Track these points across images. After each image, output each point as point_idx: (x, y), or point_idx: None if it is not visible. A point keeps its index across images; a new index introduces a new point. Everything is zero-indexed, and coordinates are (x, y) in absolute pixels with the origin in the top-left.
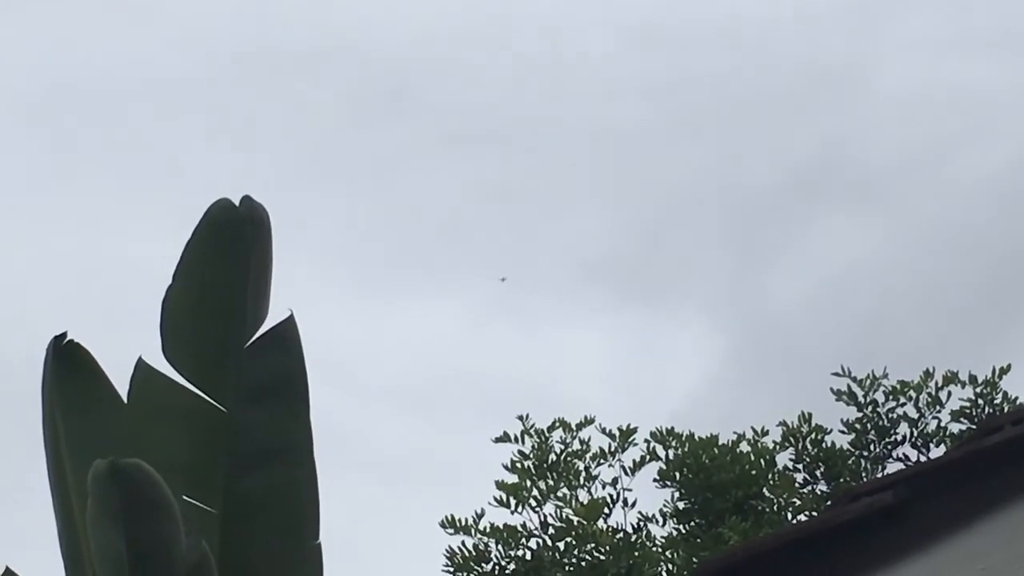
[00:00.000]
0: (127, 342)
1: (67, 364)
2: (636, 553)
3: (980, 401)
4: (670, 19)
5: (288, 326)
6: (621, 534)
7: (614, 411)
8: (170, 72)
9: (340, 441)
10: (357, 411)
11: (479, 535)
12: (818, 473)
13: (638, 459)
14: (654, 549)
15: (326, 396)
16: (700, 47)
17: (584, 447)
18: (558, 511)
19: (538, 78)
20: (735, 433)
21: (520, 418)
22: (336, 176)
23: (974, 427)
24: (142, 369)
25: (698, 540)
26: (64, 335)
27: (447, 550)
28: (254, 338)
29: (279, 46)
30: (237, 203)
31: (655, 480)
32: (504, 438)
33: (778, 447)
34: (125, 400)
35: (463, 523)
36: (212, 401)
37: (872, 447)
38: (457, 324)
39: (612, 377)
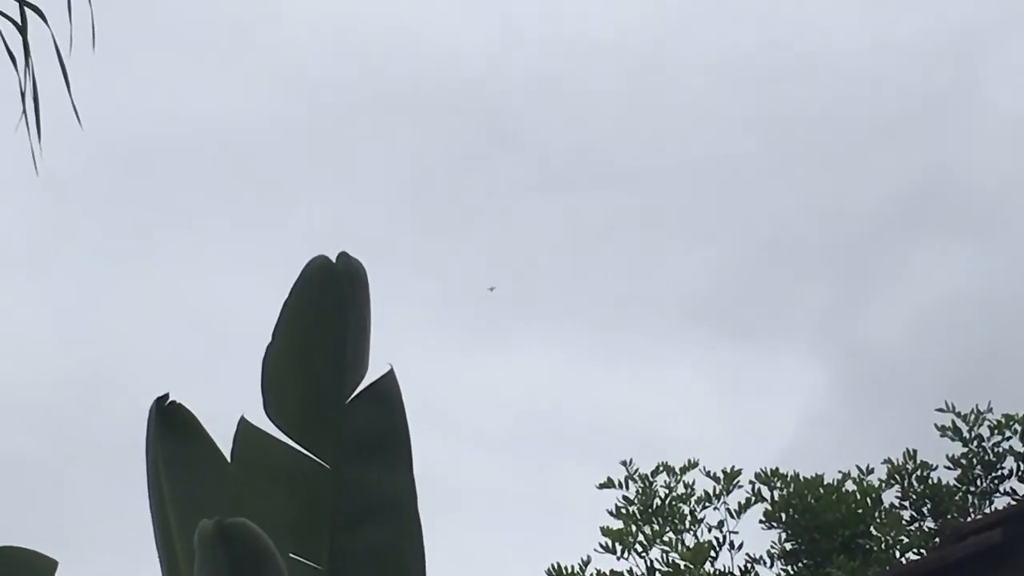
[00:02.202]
0: (229, 400)
1: (170, 424)
2: None
3: None
4: (770, 52)
5: (389, 380)
6: None
7: (717, 450)
8: (268, 123)
9: (445, 491)
10: (462, 460)
11: None
12: (925, 510)
13: (743, 501)
14: None
15: (430, 446)
16: (800, 79)
17: (689, 491)
18: (664, 556)
19: (639, 116)
20: (840, 472)
21: (624, 463)
22: (437, 221)
23: None
24: (244, 428)
25: None
26: (166, 396)
27: None
28: (355, 393)
29: (379, 92)
30: (334, 259)
31: (761, 522)
32: (608, 484)
33: (884, 485)
34: (228, 459)
35: (570, 571)
36: (315, 458)
37: (978, 482)
38: (561, 368)
39: (714, 416)
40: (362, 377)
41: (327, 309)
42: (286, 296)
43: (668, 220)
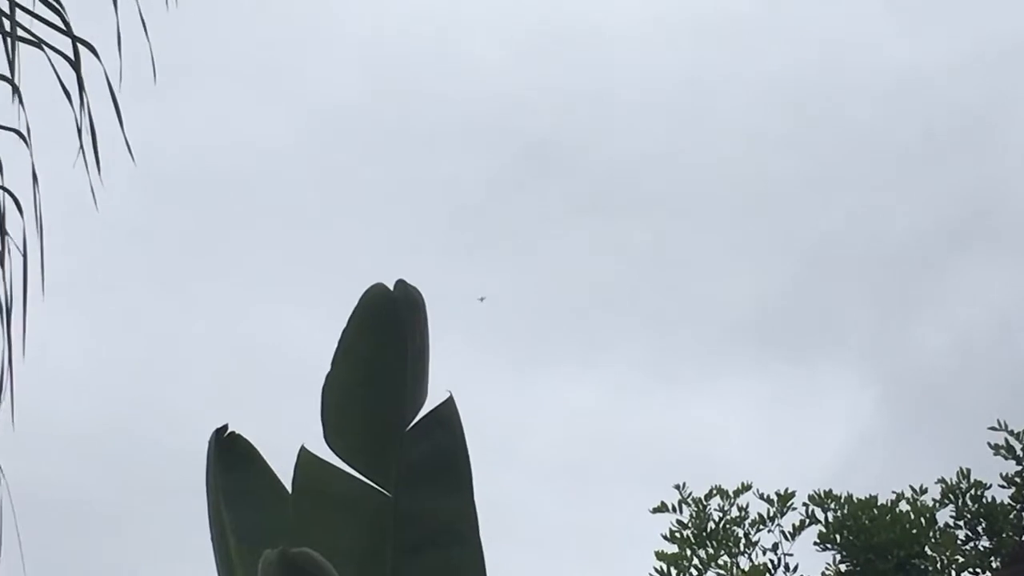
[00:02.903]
0: (289, 430)
1: (230, 455)
2: None
3: None
4: (815, 70)
5: (448, 407)
6: None
7: (769, 471)
8: (316, 154)
9: (501, 517)
10: (515, 486)
11: None
12: (980, 529)
13: (797, 523)
14: None
15: (485, 472)
16: (844, 97)
17: (743, 513)
18: None
19: (681, 136)
20: (893, 492)
21: (677, 487)
22: (485, 246)
23: None
24: (305, 457)
25: None
26: (225, 427)
27: None
28: (415, 421)
29: (424, 120)
30: (391, 287)
31: (815, 543)
32: (662, 508)
33: (938, 504)
34: (289, 489)
35: None
36: (376, 486)
37: None
38: (612, 392)
39: (766, 437)
40: (422, 404)
41: (386, 337)
42: (344, 325)
43: (715, 241)
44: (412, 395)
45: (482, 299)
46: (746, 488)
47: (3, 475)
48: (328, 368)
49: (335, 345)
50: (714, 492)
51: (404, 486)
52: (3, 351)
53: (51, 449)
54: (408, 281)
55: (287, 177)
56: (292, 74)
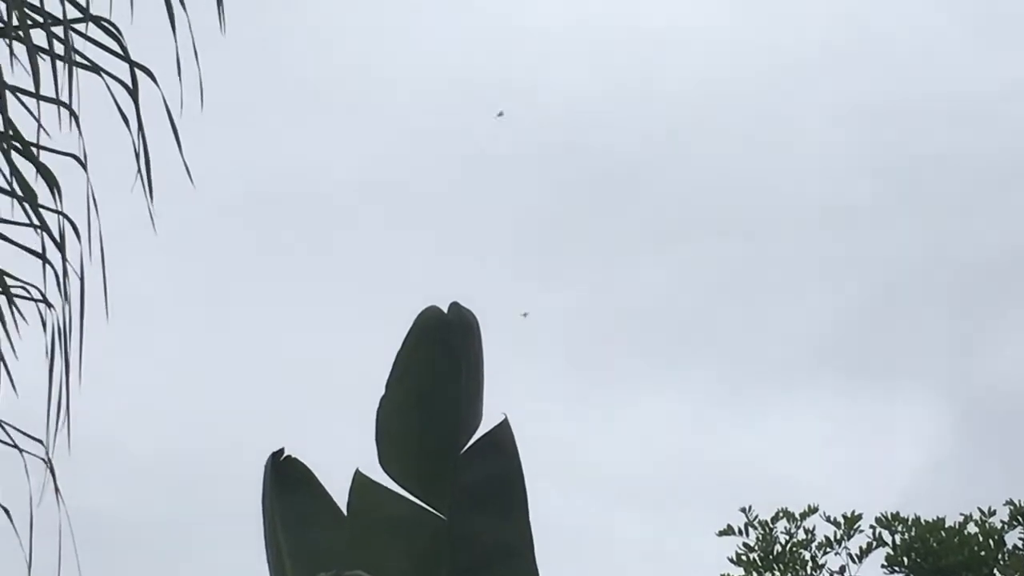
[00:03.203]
0: (344, 452)
1: (286, 479)
2: None
3: None
4: (889, 95)
5: (503, 430)
6: None
7: (838, 494)
8: (385, 176)
9: (566, 539)
10: (583, 508)
11: None
12: None
13: (865, 546)
14: None
15: (552, 493)
16: (921, 121)
17: (809, 536)
18: None
19: (759, 161)
20: (962, 514)
21: (743, 510)
22: (558, 272)
23: None
24: (360, 480)
25: None
26: (281, 451)
27: None
28: (470, 444)
29: (495, 145)
30: (446, 310)
31: (883, 566)
32: (728, 531)
33: (1006, 527)
34: (344, 512)
35: None
36: (430, 509)
37: None
38: (682, 414)
39: (836, 460)
40: (476, 427)
41: (440, 360)
42: (399, 348)
43: (790, 264)
44: (466, 418)
45: (525, 315)
46: (813, 511)
47: (61, 499)
48: (383, 391)
49: (389, 368)
50: (780, 515)
51: (459, 509)
52: (61, 376)
53: (114, 473)
54: (462, 304)
55: (355, 199)
56: (362, 95)
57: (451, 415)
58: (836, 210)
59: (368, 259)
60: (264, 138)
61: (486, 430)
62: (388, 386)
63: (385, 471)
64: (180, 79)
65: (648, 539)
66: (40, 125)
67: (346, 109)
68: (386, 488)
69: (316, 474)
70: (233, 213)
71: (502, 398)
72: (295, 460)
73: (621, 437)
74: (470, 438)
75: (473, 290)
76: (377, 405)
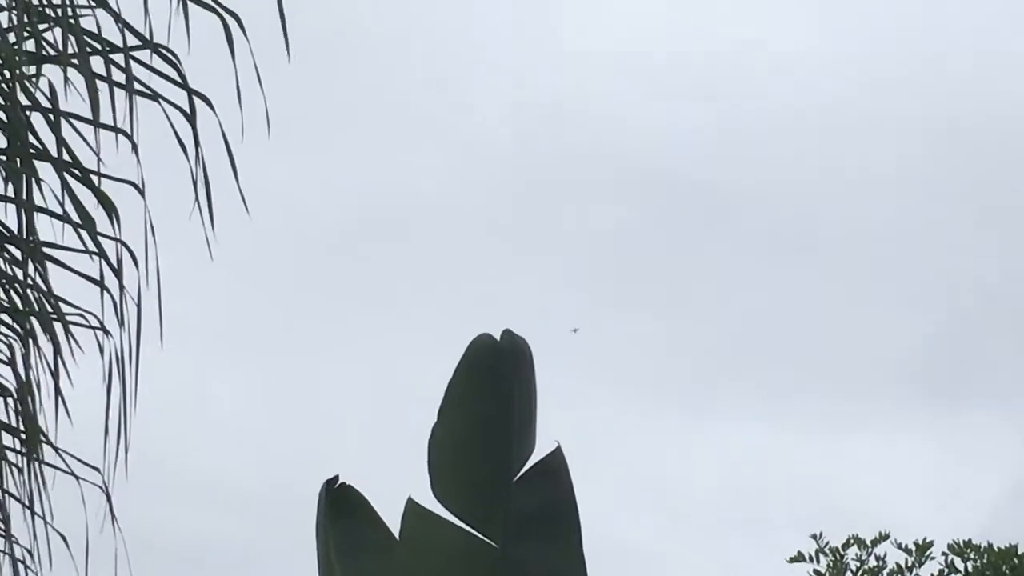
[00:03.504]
0: (399, 479)
1: (340, 506)
2: None
3: None
4: (977, 114)
5: (555, 457)
6: None
7: (920, 520)
8: (461, 201)
9: (639, 561)
10: (663, 531)
11: None
12: None
13: (936, 573)
14: None
15: (632, 516)
16: (1007, 141)
17: (880, 563)
18: None
19: (842, 182)
20: None
21: (814, 536)
22: (637, 296)
23: None
24: (412, 508)
25: None
26: (336, 478)
27: None
28: (522, 472)
29: (579, 168)
30: (498, 338)
31: None
32: (799, 558)
33: None
34: (398, 539)
35: None
36: (483, 537)
37: None
38: (766, 439)
39: (919, 485)
40: (529, 455)
41: (491, 388)
42: (451, 376)
43: (875, 287)
44: (518, 446)
45: (576, 330)
46: (884, 537)
47: (118, 526)
48: (435, 420)
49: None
50: (851, 541)
51: (511, 537)
52: (120, 401)
53: (169, 497)
54: (514, 331)
55: (431, 222)
56: (436, 120)
57: (503, 443)
58: (921, 231)
59: (440, 282)
60: (335, 161)
61: (539, 457)
62: (440, 414)
63: (437, 499)
64: (240, 106)
65: (720, 564)
66: (95, 152)
67: (421, 132)
68: (438, 516)
69: (371, 501)
70: (300, 237)
71: (583, 422)
72: (349, 487)
73: (700, 460)
74: (522, 466)
75: (552, 314)
76: (429, 433)
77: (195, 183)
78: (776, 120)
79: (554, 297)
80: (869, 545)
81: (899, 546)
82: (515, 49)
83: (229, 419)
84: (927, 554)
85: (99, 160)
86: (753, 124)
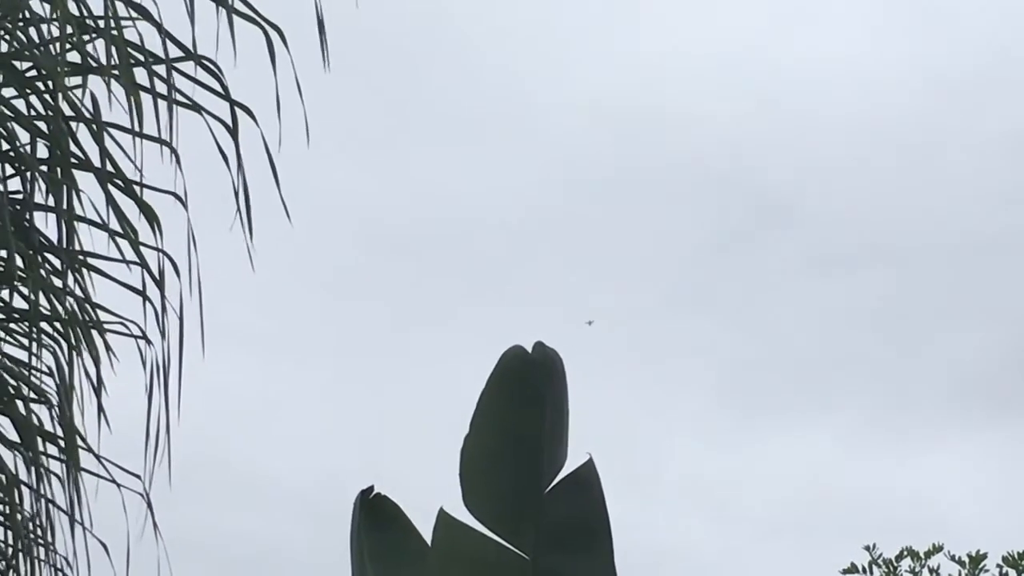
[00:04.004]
0: (434, 488)
1: (375, 516)
2: None
3: None
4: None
5: (587, 469)
6: None
7: (977, 529)
8: (522, 209)
9: (700, 569)
10: (716, 539)
11: None
12: None
13: None
14: None
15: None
16: None
17: (934, 575)
18: None
19: (909, 192)
20: None
21: (867, 548)
22: (700, 303)
23: None
24: (443, 520)
25: None
26: (371, 488)
27: None
28: (553, 484)
29: (638, 172)
30: (530, 350)
31: None
32: (852, 569)
33: None
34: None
35: None
36: (514, 549)
37: None
38: (830, 447)
39: (981, 497)
40: (560, 467)
41: (523, 400)
42: (483, 387)
43: (938, 298)
44: (550, 458)
45: (591, 323)
46: (937, 549)
47: (160, 535)
48: (468, 430)
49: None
50: (905, 553)
51: (543, 549)
52: (160, 412)
53: (211, 502)
54: (546, 343)
55: (493, 231)
56: (501, 126)
57: (534, 455)
58: (989, 242)
59: (513, 289)
60: (405, 165)
61: (571, 469)
62: (471, 426)
63: (468, 510)
64: (279, 117)
65: (772, 573)
66: (134, 163)
67: (491, 138)
68: (469, 527)
69: (405, 511)
70: (369, 240)
71: (637, 426)
72: (384, 497)
73: (753, 468)
74: (554, 477)
75: (618, 321)
76: (461, 444)
77: (236, 194)
78: (845, 126)
79: (614, 300)
80: (923, 557)
81: (952, 558)
82: (587, 54)
83: (280, 423)
84: (981, 566)
85: (138, 170)
86: (821, 131)
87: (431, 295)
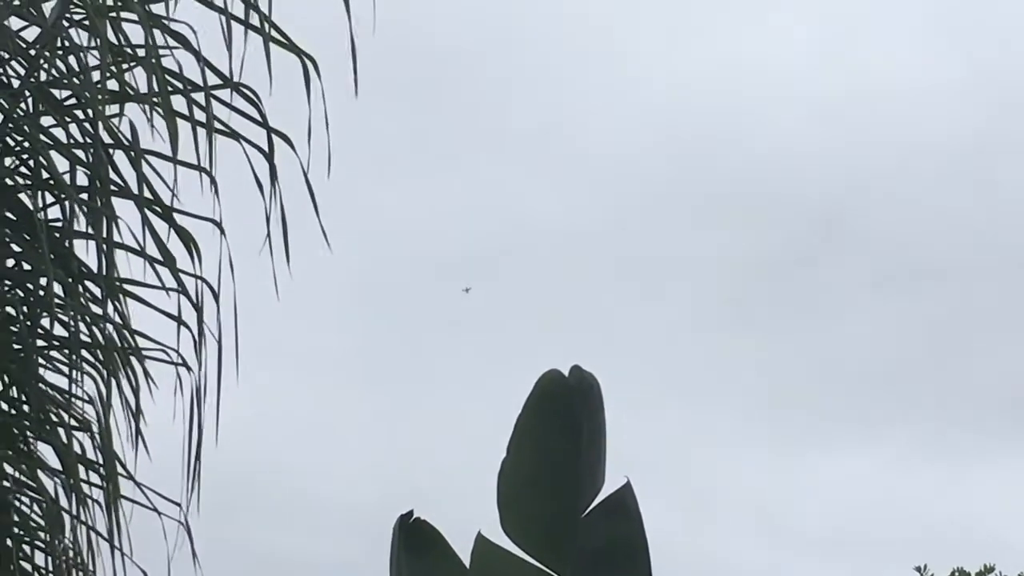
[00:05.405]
0: (472, 512)
1: (415, 541)
2: None
3: None
4: None
5: (624, 493)
6: None
7: None
8: (578, 228)
9: None
10: (768, 559)
11: None
12: None
13: None
14: None
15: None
16: None
17: None
18: None
19: (966, 209)
20: None
21: (918, 569)
22: (750, 322)
23: None
24: (482, 544)
25: None
26: (410, 513)
27: None
28: (591, 507)
29: (695, 192)
30: (567, 373)
31: None
32: None
33: None
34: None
35: None
36: (552, 573)
37: None
38: (883, 467)
39: None
40: (598, 490)
41: (559, 424)
42: (519, 411)
43: (992, 315)
44: (587, 481)
45: (467, 290)
46: (989, 570)
47: (198, 562)
48: (505, 454)
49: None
50: (956, 574)
51: (580, 573)
52: (195, 435)
53: (279, 519)
54: (583, 367)
55: (546, 251)
56: (554, 147)
57: (571, 479)
58: None
59: (555, 309)
60: (456, 189)
61: (608, 493)
62: (509, 450)
63: (507, 534)
64: (309, 144)
65: None
66: (172, 190)
67: (537, 159)
68: (507, 551)
69: (444, 535)
70: (416, 264)
71: (692, 445)
72: (423, 522)
73: (806, 488)
74: (592, 501)
75: (669, 340)
76: (498, 468)
77: (269, 220)
78: (899, 143)
79: (681, 320)
80: None
81: None
82: (640, 72)
83: (323, 446)
84: None
85: (174, 195)
86: (874, 147)
87: (473, 317)
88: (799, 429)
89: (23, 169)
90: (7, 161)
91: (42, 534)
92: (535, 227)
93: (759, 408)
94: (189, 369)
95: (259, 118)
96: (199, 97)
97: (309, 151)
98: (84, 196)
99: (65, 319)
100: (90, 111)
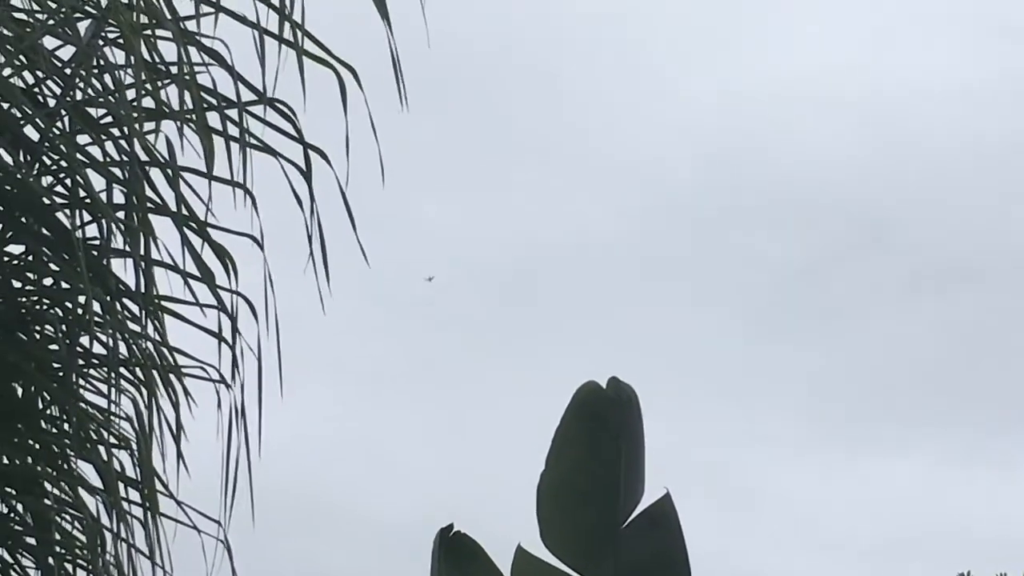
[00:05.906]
0: (512, 525)
1: (455, 554)
2: None
3: None
4: None
5: (664, 504)
6: None
7: None
8: (605, 238)
9: None
10: (812, 564)
11: None
12: None
13: None
14: None
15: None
16: None
17: None
18: None
19: (1010, 211)
20: None
21: (961, 575)
22: (790, 327)
23: None
24: (522, 556)
25: None
26: (450, 526)
27: None
28: (630, 518)
29: (737, 197)
30: (604, 385)
31: None
32: None
33: None
34: None
35: None
36: None
37: None
38: (921, 473)
39: None
40: (637, 502)
41: (598, 436)
42: (558, 424)
43: None
44: (627, 493)
45: (430, 279)
46: None
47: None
48: (543, 466)
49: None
50: None
51: None
52: (235, 452)
53: (346, 541)
54: (621, 379)
55: (589, 260)
56: (595, 155)
57: (611, 490)
58: None
59: (595, 322)
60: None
61: (647, 504)
62: (547, 462)
63: (546, 546)
64: (348, 157)
65: None
66: (208, 207)
67: (576, 171)
68: (546, 564)
69: (485, 548)
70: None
71: (736, 453)
72: (464, 535)
73: (850, 494)
74: (631, 513)
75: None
76: (537, 481)
77: (310, 238)
78: (941, 146)
79: (715, 326)
80: None
81: None
82: (678, 80)
83: (365, 460)
84: None
85: (209, 211)
86: (916, 151)
87: (511, 329)
88: (839, 434)
89: (60, 188)
90: (44, 180)
91: (84, 552)
92: (578, 238)
93: (799, 413)
94: (228, 386)
95: (295, 133)
96: (233, 113)
97: (348, 165)
98: (121, 214)
99: (104, 337)
100: (126, 129)
